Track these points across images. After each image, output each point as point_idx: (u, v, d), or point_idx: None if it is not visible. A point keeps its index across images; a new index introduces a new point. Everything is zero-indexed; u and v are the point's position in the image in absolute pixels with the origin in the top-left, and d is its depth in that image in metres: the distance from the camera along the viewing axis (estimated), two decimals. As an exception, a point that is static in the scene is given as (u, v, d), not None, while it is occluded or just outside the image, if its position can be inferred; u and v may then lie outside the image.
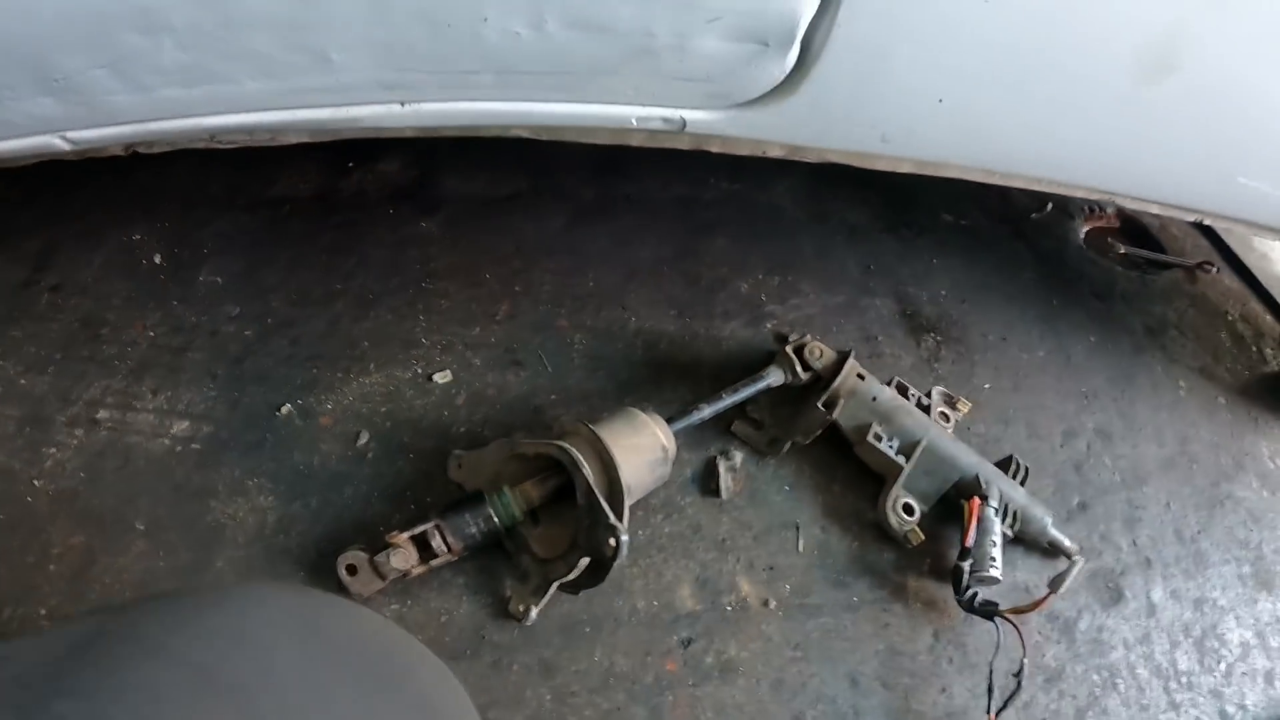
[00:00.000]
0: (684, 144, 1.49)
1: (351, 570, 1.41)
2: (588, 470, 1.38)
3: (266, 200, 2.07)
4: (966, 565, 1.40)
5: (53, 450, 1.62)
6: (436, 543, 1.39)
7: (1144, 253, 2.22)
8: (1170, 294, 2.15)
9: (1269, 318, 2.17)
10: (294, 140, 1.50)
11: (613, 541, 1.33)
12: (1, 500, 1.54)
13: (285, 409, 1.67)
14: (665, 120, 1.30)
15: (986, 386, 1.80)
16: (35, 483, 1.57)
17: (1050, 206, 2.33)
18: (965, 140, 1.45)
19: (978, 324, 1.91)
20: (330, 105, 1.18)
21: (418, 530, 1.40)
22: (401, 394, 1.70)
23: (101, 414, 1.68)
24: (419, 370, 1.74)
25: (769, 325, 1.85)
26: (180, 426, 1.66)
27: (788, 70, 1.22)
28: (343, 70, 1.09)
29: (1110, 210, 2.33)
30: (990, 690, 1.38)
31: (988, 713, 1.38)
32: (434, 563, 1.41)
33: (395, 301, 1.84)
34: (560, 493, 1.47)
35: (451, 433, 1.65)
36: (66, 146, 1.30)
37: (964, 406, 1.73)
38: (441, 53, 1.08)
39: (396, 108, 1.18)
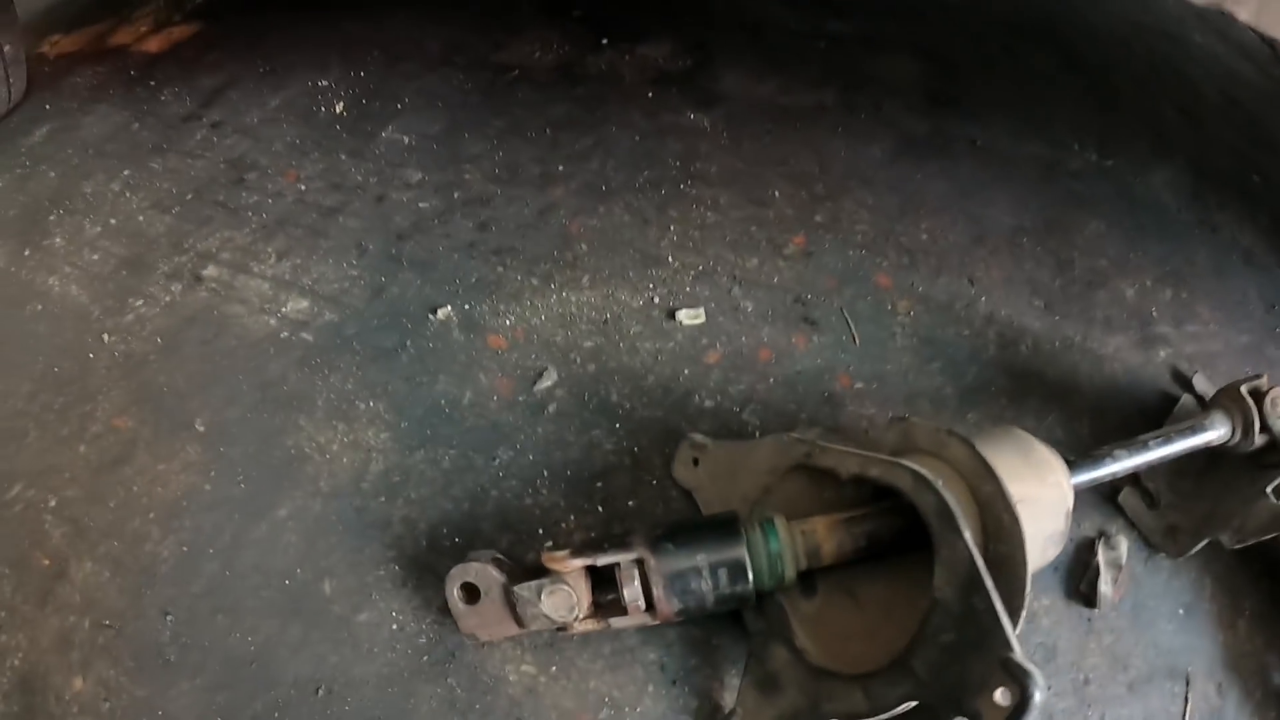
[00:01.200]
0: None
1: (470, 594, 0.80)
2: (968, 530, 0.67)
3: (492, 64, 1.60)
4: None
5: (140, 303, 1.25)
6: (633, 592, 0.75)
7: None
8: None
9: None
10: None
11: (1005, 698, 0.62)
12: (64, 348, 1.21)
13: (444, 312, 1.15)
14: None
15: None
16: (106, 337, 1.21)
17: None
18: None
19: None
20: None
21: (605, 559, 0.76)
22: (622, 327, 1.12)
23: (209, 270, 1.27)
24: (656, 299, 1.16)
25: (1163, 354, 1.27)
26: (296, 306, 1.20)
27: None
28: None
29: None
30: None
31: None
32: (617, 623, 0.77)
33: (639, 201, 1.28)
34: (875, 547, 0.77)
35: (691, 405, 1.04)
36: None
37: None
38: None
39: None
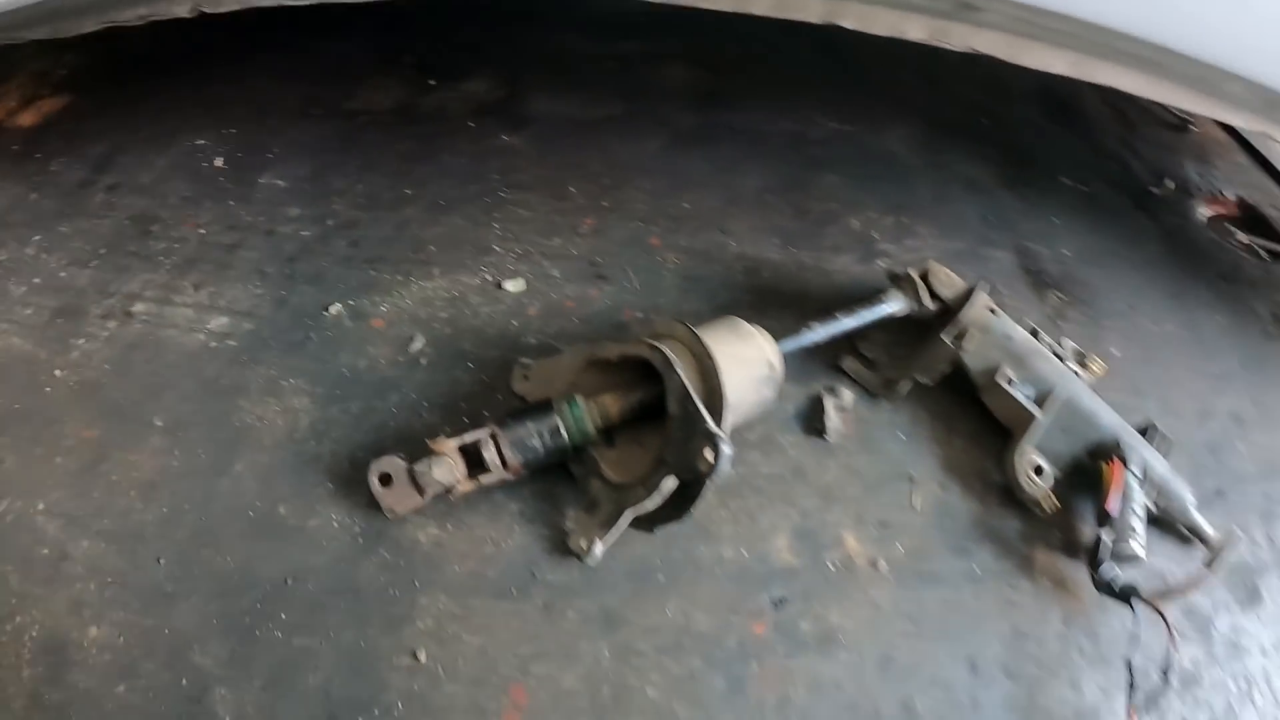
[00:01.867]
0: (814, 12, 1.25)
1: (385, 480, 1.17)
2: (683, 371, 1.12)
3: (343, 112, 1.94)
4: (1106, 535, 1.20)
5: (81, 341, 1.48)
6: (490, 455, 1.14)
7: (1266, 243, 2.06)
8: (1299, 285, 1.98)
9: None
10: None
11: (710, 454, 1.05)
12: (19, 389, 1.40)
13: (335, 309, 1.49)
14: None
15: (1116, 354, 1.60)
16: (57, 373, 1.43)
17: (1170, 183, 2.15)
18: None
19: (1104, 288, 1.75)
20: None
21: (469, 438, 1.15)
22: (467, 300, 1.50)
23: (138, 307, 1.53)
24: (489, 277, 1.55)
25: (882, 263, 1.67)
26: (218, 322, 1.50)
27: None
28: None
29: (1232, 197, 2.20)
30: (1131, 686, 1.11)
31: (1128, 711, 1.10)
32: (485, 479, 1.16)
33: (470, 209, 1.66)
34: (644, 413, 1.21)
35: (520, 343, 1.44)
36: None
37: (1097, 366, 1.45)
38: None
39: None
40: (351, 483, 1.25)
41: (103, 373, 1.43)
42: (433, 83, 1.98)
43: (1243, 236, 2.06)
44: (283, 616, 1.14)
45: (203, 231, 1.66)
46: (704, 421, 1.06)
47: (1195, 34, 1.31)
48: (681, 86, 2.04)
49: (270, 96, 1.98)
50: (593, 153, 1.80)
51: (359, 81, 2.00)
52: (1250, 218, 2.16)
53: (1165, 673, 1.11)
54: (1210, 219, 2.11)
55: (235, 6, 1.41)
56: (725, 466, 1.04)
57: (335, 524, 1.22)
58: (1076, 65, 1.38)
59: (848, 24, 1.40)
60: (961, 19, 1.37)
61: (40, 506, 1.24)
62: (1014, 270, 1.75)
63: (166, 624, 1.13)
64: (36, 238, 1.67)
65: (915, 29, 1.40)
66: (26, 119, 2.05)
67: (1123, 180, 2.11)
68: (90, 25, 1.54)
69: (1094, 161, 2.12)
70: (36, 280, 1.59)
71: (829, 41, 2.27)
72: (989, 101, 2.24)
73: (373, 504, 1.20)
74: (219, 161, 1.82)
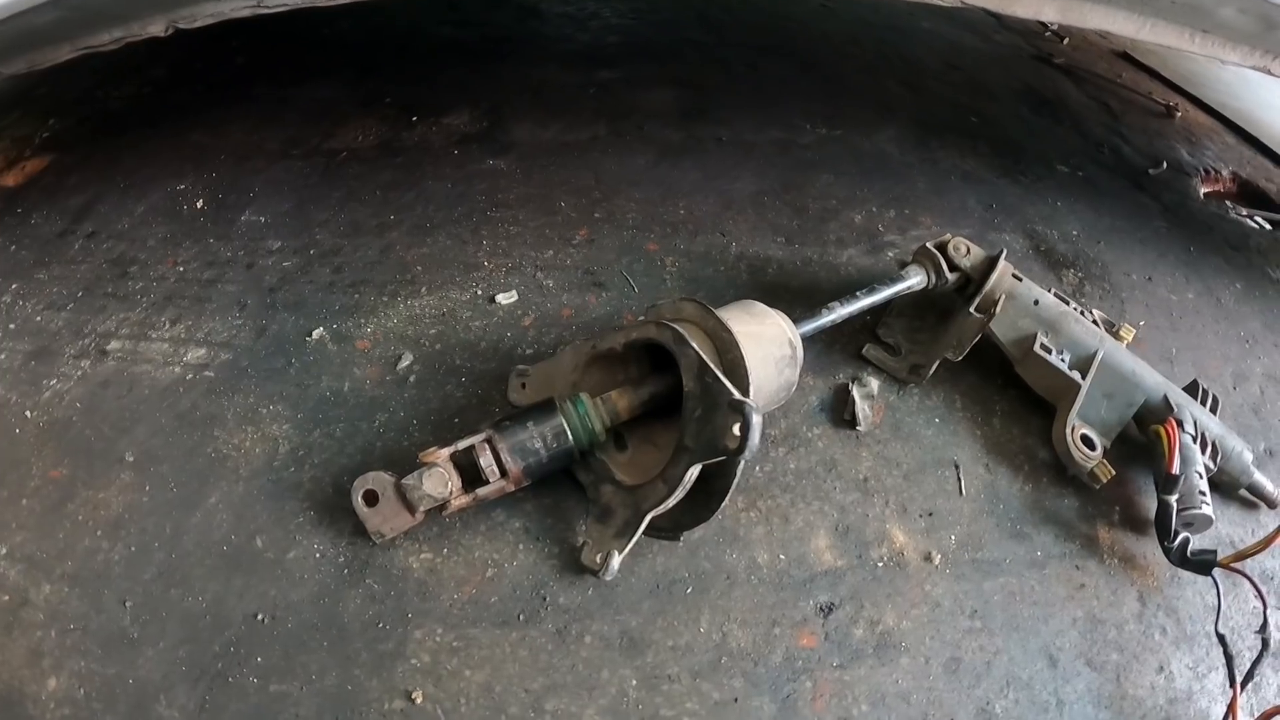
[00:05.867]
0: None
1: (371, 499, 1.07)
2: (698, 345, 1.02)
3: (324, 151, 1.91)
4: (1173, 499, 1.13)
5: (53, 382, 1.42)
6: (487, 461, 1.04)
7: (1265, 213, 2.08)
8: (1306, 251, 1.96)
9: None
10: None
11: (737, 428, 0.94)
12: None
13: (317, 333, 1.42)
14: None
15: (1141, 323, 1.57)
16: (28, 414, 1.36)
17: (1165, 165, 2.15)
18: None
19: (1118, 264, 1.73)
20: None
21: (462, 445, 1.05)
22: (456, 315, 1.43)
23: (112, 345, 1.47)
24: (479, 292, 1.48)
25: (891, 254, 1.62)
26: (195, 355, 1.43)
27: None
28: None
29: (1226, 174, 2.21)
30: (1228, 659, 1.03)
31: (1232, 685, 1.01)
32: (482, 491, 1.05)
33: (457, 229, 1.61)
34: (657, 409, 1.12)
35: (516, 355, 1.36)
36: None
37: (1127, 333, 1.38)
38: None
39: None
40: (335, 509, 1.16)
41: (73, 411, 1.37)
42: (414, 119, 1.96)
43: (1242, 210, 2.08)
44: (258, 660, 1.05)
45: (181, 269, 1.60)
46: (727, 392, 0.96)
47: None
48: (664, 107, 2.03)
49: (251, 142, 1.95)
50: (580, 170, 1.76)
51: (340, 122, 1.98)
52: (1246, 192, 2.19)
53: (1264, 638, 1.03)
54: (1206, 195, 2.12)
55: (210, 20, 1.38)
56: (755, 439, 0.93)
57: (317, 554, 1.14)
58: (1065, 10, 1.36)
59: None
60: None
61: (2, 551, 1.17)
62: (1026, 251, 1.72)
63: (131, 673, 1.06)
64: (13, 286, 1.63)
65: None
66: (9, 180, 2.02)
67: (1117, 165, 2.12)
68: (66, 53, 1.52)
69: (1086, 149, 2.12)
70: (11, 326, 1.54)
71: (806, 57, 2.30)
72: (973, 102, 2.26)
73: (358, 531, 1.11)
74: (199, 204, 1.78)
